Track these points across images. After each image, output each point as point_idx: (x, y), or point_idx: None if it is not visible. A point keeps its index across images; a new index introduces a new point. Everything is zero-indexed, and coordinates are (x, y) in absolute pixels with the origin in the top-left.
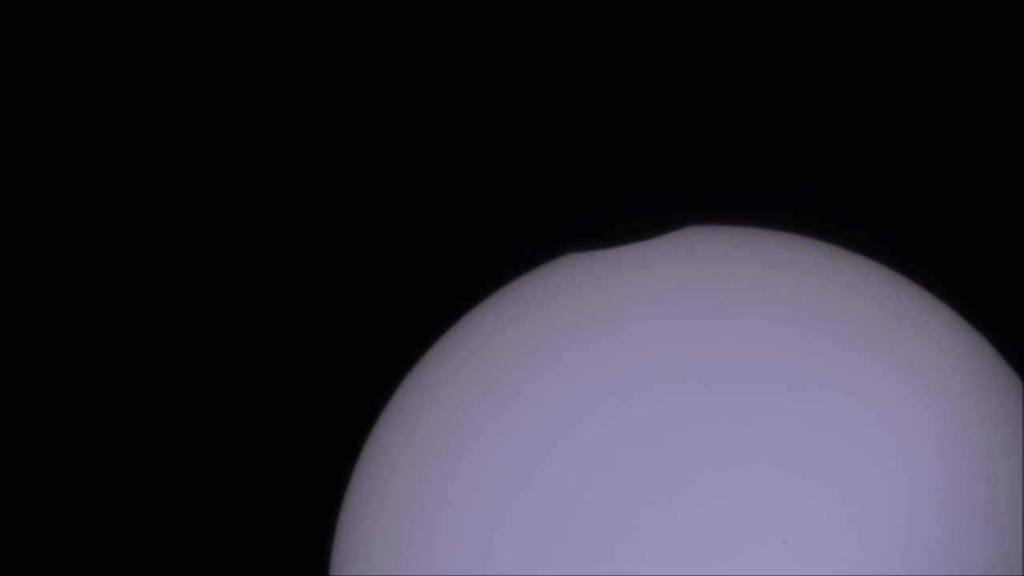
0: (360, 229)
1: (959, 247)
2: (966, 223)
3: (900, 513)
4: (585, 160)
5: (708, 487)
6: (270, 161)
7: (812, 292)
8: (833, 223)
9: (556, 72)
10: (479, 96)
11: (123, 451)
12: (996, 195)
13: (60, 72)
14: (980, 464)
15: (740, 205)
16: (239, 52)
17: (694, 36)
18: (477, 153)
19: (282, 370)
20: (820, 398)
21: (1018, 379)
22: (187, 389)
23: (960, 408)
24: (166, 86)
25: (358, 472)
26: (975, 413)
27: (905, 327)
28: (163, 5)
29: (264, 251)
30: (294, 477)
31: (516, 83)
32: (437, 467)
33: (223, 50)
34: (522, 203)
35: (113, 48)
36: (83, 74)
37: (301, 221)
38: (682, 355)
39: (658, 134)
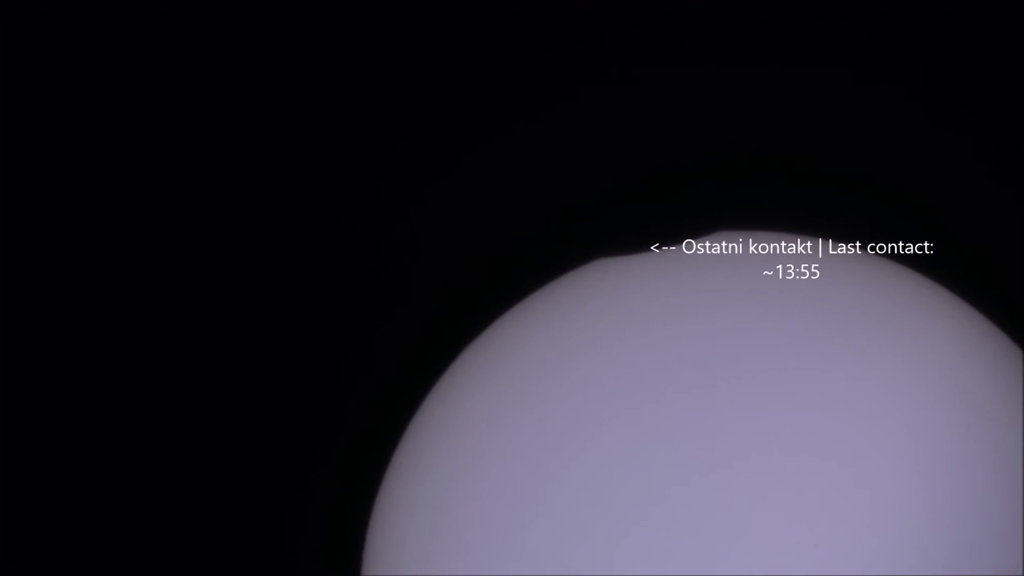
0: (386, 238)
1: (977, 247)
2: (984, 223)
3: (931, 512)
4: (614, 165)
5: (738, 488)
6: (284, 175)
7: (844, 294)
8: (860, 226)
9: (586, 74)
10: (502, 100)
11: (157, 465)
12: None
13: (59, 73)
14: (987, 458)
15: (769, 209)
16: (252, 63)
17: (724, 39)
18: (505, 159)
19: (313, 377)
20: (853, 400)
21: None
22: (222, 393)
23: (970, 401)
24: (181, 97)
25: (390, 474)
26: (983, 406)
27: (938, 332)
28: (173, 8)
29: (284, 264)
30: (326, 479)
31: (539, 85)
32: (468, 469)
33: (238, 61)
34: (550, 210)
35: (125, 52)
36: (85, 76)
37: (331, 231)
38: (711, 359)
39: (687, 139)
